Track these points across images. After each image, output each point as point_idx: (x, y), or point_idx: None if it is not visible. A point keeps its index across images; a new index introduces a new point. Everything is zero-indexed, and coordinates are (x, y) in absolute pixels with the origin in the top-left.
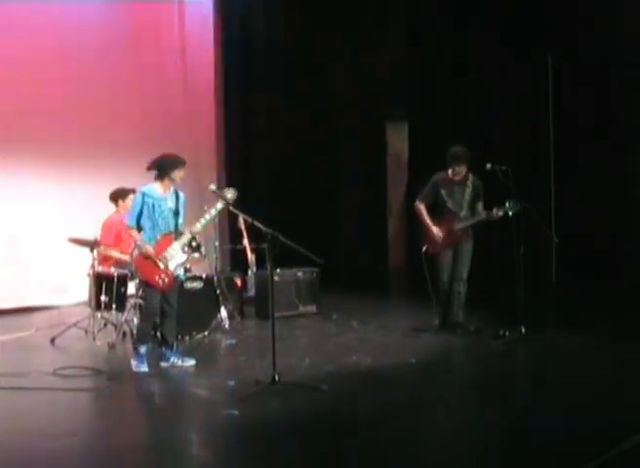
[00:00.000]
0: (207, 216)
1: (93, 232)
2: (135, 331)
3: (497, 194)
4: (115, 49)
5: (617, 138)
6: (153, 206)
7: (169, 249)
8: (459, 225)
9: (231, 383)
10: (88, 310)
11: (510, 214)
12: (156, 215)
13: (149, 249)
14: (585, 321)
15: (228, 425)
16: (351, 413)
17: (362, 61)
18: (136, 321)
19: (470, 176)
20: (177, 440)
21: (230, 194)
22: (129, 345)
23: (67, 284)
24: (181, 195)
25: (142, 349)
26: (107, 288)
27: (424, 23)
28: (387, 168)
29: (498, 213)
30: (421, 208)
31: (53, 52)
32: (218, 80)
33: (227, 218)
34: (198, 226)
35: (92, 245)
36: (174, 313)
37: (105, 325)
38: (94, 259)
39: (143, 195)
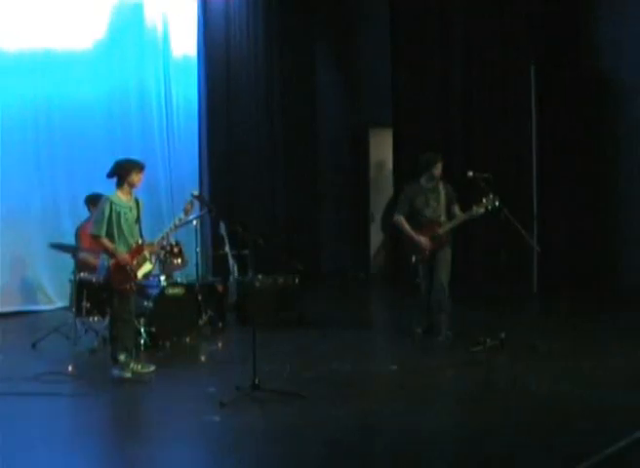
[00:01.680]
0: (170, 227)
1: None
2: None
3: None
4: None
5: (601, 149)
6: (119, 214)
7: (139, 257)
8: (443, 229)
9: (212, 389)
10: (70, 315)
11: (490, 208)
12: (122, 223)
13: (126, 257)
14: (567, 328)
15: (209, 431)
16: (332, 420)
17: (346, 68)
18: None
19: (440, 183)
20: (157, 446)
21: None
22: (109, 352)
23: (49, 289)
24: (141, 200)
25: (122, 357)
26: (89, 294)
27: (409, 31)
28: (370, 174)
29: (478, 210)
30: (402, 220)
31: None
32: (202, 86)
33: (209, 224)
34: (163, 234)
35: (73, 251)
36: (133, 318)
37: (87, 331)
38: (76, 265)
39: (111, 203)
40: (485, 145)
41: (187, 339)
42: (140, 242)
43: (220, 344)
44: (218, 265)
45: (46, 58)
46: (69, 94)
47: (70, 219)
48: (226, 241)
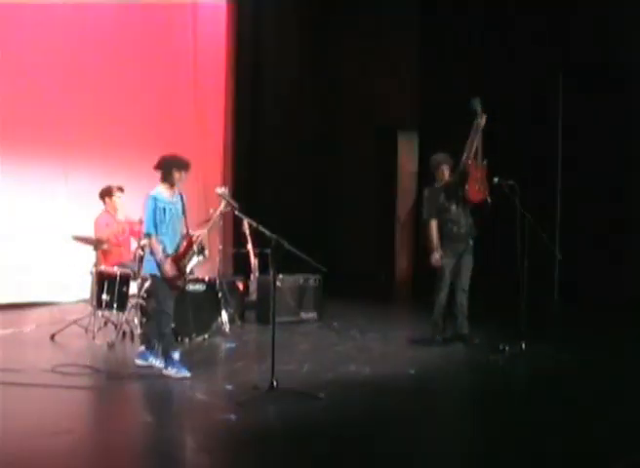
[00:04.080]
0: (214, 219)
1: (87, 231)
2: (159, 340)
3: (503, 209)
4: (128, 49)
5: (626, 155)
6: (164, 210)
7: (189, 252)
8: (472, 159)
9: (229, 387)
10: (89, 308)
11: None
12: (167, 219)
13: (163, 258)
14: (586, 337)
15: (225, 430)
16: (348, 422)
17: (374, 70)
18: (136, 321)
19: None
20: (173, 442)
21: (223, 194)
22: (128, 345)
23: (69, 281)
24: (184, 196)
25: (176, 355)
26: (109, 287)
27: (439, 35)
28: (397, 178)
29: (480, 121)
30: (434, 225)
31: (65, 51)
32: (228, 81)
33: (232, 222)
34: (206, 230)
35: (96, 243)
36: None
37: (106, 324)
38: (97, 258)
39: (155, 200)
40: (511, 152)
41: (206, 336)
42: (188, 236)
43: (238, 342)
44: (239, 263)
45: None
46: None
47: (94, 212)
48: (249, 239)
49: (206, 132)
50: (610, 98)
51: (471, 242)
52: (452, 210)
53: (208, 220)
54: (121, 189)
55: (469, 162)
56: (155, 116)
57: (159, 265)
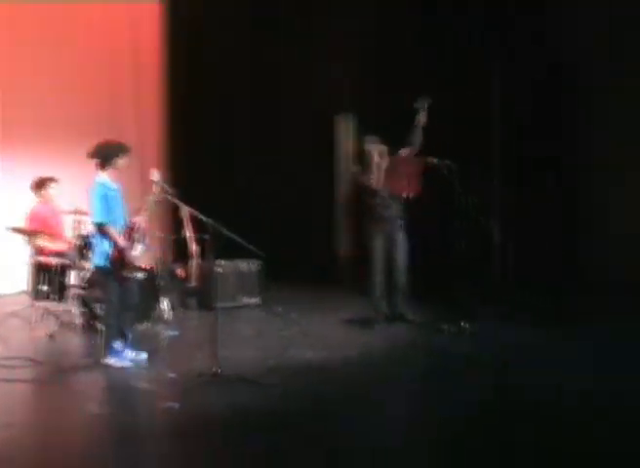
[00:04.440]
0: (149, 208)
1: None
2: (103, 329)
3: (441, 189)
4: (68, 34)
5: (567, 137)
6: (113, 198)
7: (133, 239)
8: (407, 153)
9: (172, 375)
10: (28, 299)
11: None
12: (114, 207)
13: (125, 243)
14: (529, 317)
15: (169, 418)
16: (293, 407)
17: (313, 54)
18: (74, 311)
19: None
20: (115, 432)
21: (156, 176)
22: (68, 336)
23: (7, 272)
24: (119, 183)
25: (117, 345)
26: (48, 277)
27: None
28: (336, 160)
29: (421, 117)
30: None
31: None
32: (166, 67)
33: (170, 209)
34: (144, 218)
35: (30, 235)
36: (134, 306)
37: (45, 315)
38: (35, 248)
39: (104, 187)
40: (449, 134)
41: (147, 324)
42: (132, 224)
43: (180, 329)
44: (178, 250)
45: None
46: None
47: (31, 203)
48: (188, 225)
49: (144, 121)
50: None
51: (401, 222)
52: (380, 193)
53: (143, 208)
54: (54, 180)
55: (402, 156)
56: (93, 109)
57: (123, 251)
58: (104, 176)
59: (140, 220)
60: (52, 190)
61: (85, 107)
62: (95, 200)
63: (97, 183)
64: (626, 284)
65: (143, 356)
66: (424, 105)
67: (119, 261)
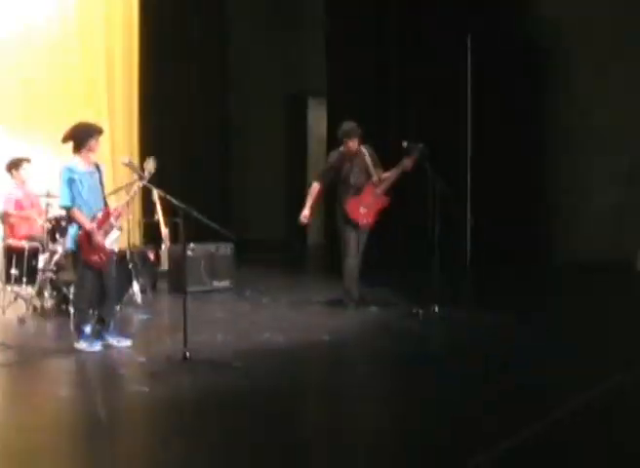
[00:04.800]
0: (134, 191)
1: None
2: (73, 313)
3: (412, 173)
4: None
5: (537, 121)
6: (80, 182)
7: (106, 224)
8: (379, 190)
9: (142, 359)
10: None
11: (418, 156)
12: (84, 192)
13: (93, 227)
14: (498, 301)
15: (139, 402)
16: (264, 392)
17: (282, 39)
18: (45, 295)
19: (361, 148)
20: (85, 416)
21: (151, 164)
22: (39, 320)
23: None
24: (102, 166)
25: (87, 329)
26: (18, 261)
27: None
28: (308, 144)
29: (407, 163)
30: (314, 186)
31: None
32: (139, 49)
33: (140, 191)
34: (129, 199)
35: (3, 217)
36: (113, 291)
37: (16, 299)
38: (4, 231)
39: (70, 171)
40: (420, 116)
41: (118, 307)
42: (105, 209)
43: (151, 313)
44: (149, 233)
45: None
46: None
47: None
48: (159, 208)
49: (116, 104)
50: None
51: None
52: (356, 174)
53: (120, 191)
54: (28, 160)
55: (371, 186)
56: (68, 91)
57: (89, 235)
58: (74, 160)
59: (119, 205)
60: (24, 171)
61: (61, 89)
62: (61, 184)
63: (63, 167)
64: (593, 262)
65: (127, 342)
66: (417, 152)
67: (86, 245)
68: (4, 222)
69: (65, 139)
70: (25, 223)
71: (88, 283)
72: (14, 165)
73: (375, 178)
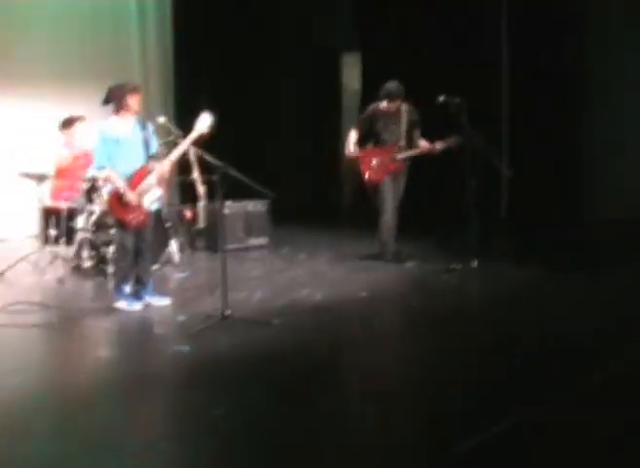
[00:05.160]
0: (181, 147)
1: (43, 166)
2: (112, 272)
3: (448, 127)
4: None
5: (573, 76)
6: (117, 141)
7: (143, 184)
8: (400, 155)
9: (182, 318)
10: (37, 244)
11: (451, 146)
12: (121, 151)
13: (125, 186)
14: (537, 255)
15: (180, 361)
16: (304, 349)
17: None
18: (84, 255)
19: (404, 106)
20: (126, 376)
21: (206, 122)
22: (78, 280)
23: (16, 217)
24: (150, 124)
25: (127, 288)
26: (56, 222)
27: None
28: (342, 101)
29: (437, 147)
30: (351, 133)
31: None
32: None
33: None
34: (173, 157)
35: (40, 178)
36: (148, 251)
37: (54, 259)
38: (43, 193)
39: (102, 132)
40: (456, 70)
41: (156, 267)
42: (142, 168)
43: (189, 271)
44: (186, 192)
45: None
46: None
47: (40, 148)
48: (194, 167)
49: (149, 63)
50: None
51: (407, 166)
52: (389, 132)
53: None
54: (81, 119)
55: (394, 148)
56: (96, 50)
57: (120, 195)
58: (111, 120)
59: (160, 165)
60: (78, 129)
61: (90, 49)
62: (95, 145)
63: (96, 129)
64: (627, 222)
65: (167, 301)
66: (453, 142)
67: (118, 205)
68: (40, 184)
69: (105, 102)
70: (69, 183)
71: (127, 242)
72: (66, 124)
73: (402, 143)
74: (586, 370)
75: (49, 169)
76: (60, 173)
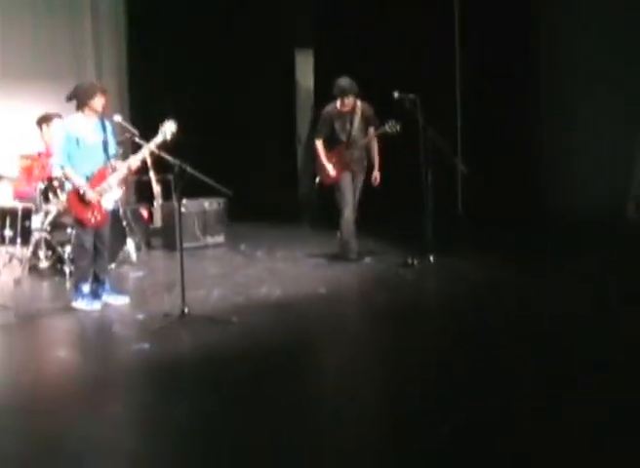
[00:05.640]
0: (144, 151)
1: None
2: (71, 272)
3: (404, 123)
4: None
5: (526, 65)
6: (77, 140)
7: (103, 183)
8: (346, 153)
9: (140, 317)
10: None
11: (390, 131)
12: (82, 150)
13: (84, 186)
14: (492, 250)
15: (139, 359)
16: (263, 346)
17: None
18: (40, 255)
19: (358, 104)
20: (87, 376)
21: (170, 128)
22: (35, 281)
23: None
24: (108, 124)
25: (85, 287)
26: (11, 222)
27: None
28: (296, 97)
29: (374, 132)
30: (319, 144)
31: None
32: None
33: (131, 149)
34: (134, 161)
35: None
36: (105, 250)
37: (10, 260)
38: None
39: (65, 130)
40: (408, 66)
41: (113, 266)
42: (103, 168)
43: (146, 270)
44: (141, 191)
45: None
46: None
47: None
48: (150, 166)
49: (104, 62)
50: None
51: (365, 163)
52: (345, 132)
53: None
54: (59, 116)
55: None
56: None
57: (80, 194)
58: (74, 118)
59: (122, 167)
60: (55, 126)
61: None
62: (55, 142)
63: (59, 126)
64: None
65: (125, 299)
66: (392, 129)
67: (77, 203)
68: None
69: (69, 99)
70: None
71: (86, 241)
72: (44, 120)
73: (354, 140)
74: (545, 363)
75: (7, 169)
76: (24, 171)
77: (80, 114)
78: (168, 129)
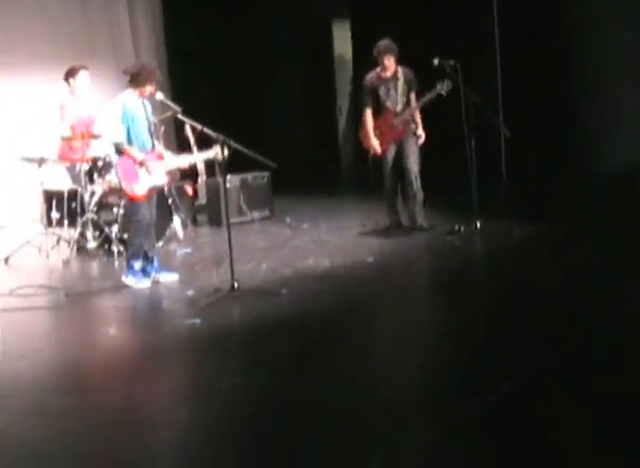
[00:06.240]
0: (193, 158)
1: (43, 149)
2: (124, 248)
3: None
4: None
5: (567, 30)
6: (132, 118)
7: (154, 165)
8: (396, 120)
9: (190, 293)
10: (40, 228)
11: (444, 93)
12: (136, 128)
13: (144, 159)
14: (539, 213)
15: (191, 335)
16: (314, 317)
17: None
18: (89, 235)
19: (399, 69)
20: (140, 352)
21: (218, 152)
22: (83, 261)
23: (17, 202)
24: (148, 104)
25: (137, 264)
26: (58, 204)
27: None
28: (335, 69)
29: (429, 96)
30: (368, 115)
31: None
32: None
33: (173, 127)
34: (183, 162)
35: (40, 161)
36: (153, 227)
37: (58, 241)
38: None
39: (123, 107)
40: (447, 32)
41: (160, 244)
42: (152, 152)
43: (193, 247)
44: (185, 168)
45: None
46: None
47: (39, 131)
48: (193, 142)
49: (140, 39)
50: None
51: (412, 126)
52: (391, 98)
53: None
54: (85, 68)
55: (390, 115)
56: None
57: (139, 164)
58: (129, 95)
59: (172, 160)
60: (80, 79)
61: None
62: (111, 117)
63: (117, 101)
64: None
65: (174, 276)
66: (443, 88)
67: (129, 174)
68: (41, 166)
69: (129, 74)
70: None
71: (143, 216)
72: (70, 73)
73: (399, 107)
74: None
75: (48, 151)
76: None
77: (131, 91)
78: (217, 151)
